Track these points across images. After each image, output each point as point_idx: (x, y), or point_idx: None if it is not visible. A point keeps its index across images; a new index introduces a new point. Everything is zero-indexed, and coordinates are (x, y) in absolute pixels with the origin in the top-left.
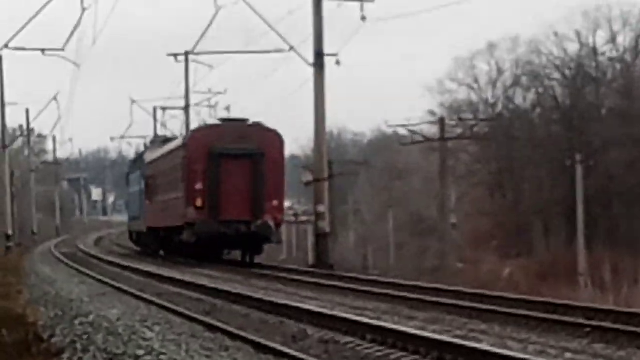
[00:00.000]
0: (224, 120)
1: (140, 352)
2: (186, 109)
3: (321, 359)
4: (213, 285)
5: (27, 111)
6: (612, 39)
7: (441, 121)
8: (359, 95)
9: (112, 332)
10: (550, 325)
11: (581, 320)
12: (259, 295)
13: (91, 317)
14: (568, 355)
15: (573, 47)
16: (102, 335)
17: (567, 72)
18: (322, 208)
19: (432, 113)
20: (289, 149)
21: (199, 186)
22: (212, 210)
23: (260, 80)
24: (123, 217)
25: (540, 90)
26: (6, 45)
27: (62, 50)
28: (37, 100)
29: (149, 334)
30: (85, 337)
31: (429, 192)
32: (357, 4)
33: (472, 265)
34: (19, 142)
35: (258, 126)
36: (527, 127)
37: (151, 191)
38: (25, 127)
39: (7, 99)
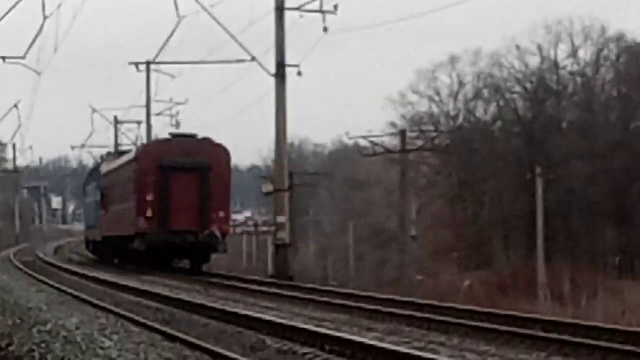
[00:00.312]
0: (174, 135)
1: None
2: (147, 118)
3: None
4: (172, 295)
5: None
6: (574, 53)
7: (402, 133)
8: (321, 107)
9: (71, 340)
10: (509, 337)
11: (540, 334)
12: (218, 305)
13: (49, 326)
14: None
15: (534, 61)
16: (61, 344)
17: (528, 85)
18: (282, 219)
19: (393, 125)
20: (250, 159)
21: (149, 197)
22: (162, 220)
23: (221, 91)
24: (83, 226)
25: (502, 103)
26: None
27: (23, 58)
28: None
29: (107, 343)
30: (43, 345)
31: (390, 204)
32: (319, 16)
33: (432, 277)
34: None
35: (206, 141)
36: (488, 140)
37: (106, 202)
38: None
39: None
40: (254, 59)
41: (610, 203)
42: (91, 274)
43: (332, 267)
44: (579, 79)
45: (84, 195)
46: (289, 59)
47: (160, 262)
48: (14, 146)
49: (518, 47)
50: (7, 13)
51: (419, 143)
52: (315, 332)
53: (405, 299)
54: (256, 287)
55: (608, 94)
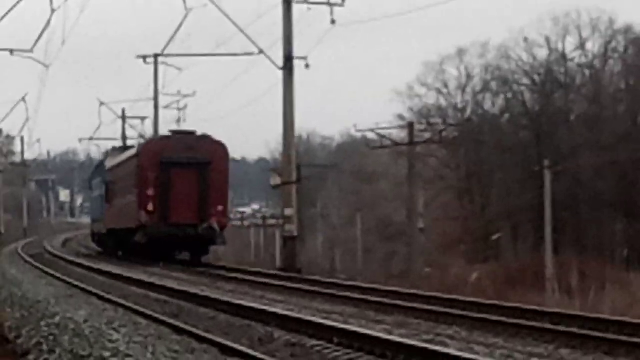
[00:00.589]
0: (174, 132)
1: (107, 354)
2: (155, 110)
3: None
4: (180, 288)
5: None
6: (581, 45)
7: (410, 125)
8: (328, 99)
9: (79, 333)
10: (517, 330)
11: (548, 326)
12: (226, 298)
13: (57, 319)
14: None
15: (542, 53)
16: (69, 337)
17: (536, 77)
18: (290, 211)
19: (401, 117)
20: (258, 152)
21: (150, 192)
22: (162, 214)
23: (229, 83)
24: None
25: (509, 95)
26: None
27: (31, 51)
28: (5, 101)
29: (115, 336)
30: (51, 338)
31: (397, 196)
32: (326, 8)
33: (440, 270)
34: None
35: (205, 138)
36: (495, 132)
37: (110, 195)
38: None
39: None
40: (261, 51)
41: (618, 195)
42: (99, 267)
43: (340, 260)
44: (586, 71)
45: (90, 189)
46: (297, 51)
47: (161, 254)
48: (22, 139)
49: (526, 39)
50: (15, 6)
51: (427, 135)
52: (324, 325)
53: (412, 291)
54: (264, 280)
55: (616, 86)
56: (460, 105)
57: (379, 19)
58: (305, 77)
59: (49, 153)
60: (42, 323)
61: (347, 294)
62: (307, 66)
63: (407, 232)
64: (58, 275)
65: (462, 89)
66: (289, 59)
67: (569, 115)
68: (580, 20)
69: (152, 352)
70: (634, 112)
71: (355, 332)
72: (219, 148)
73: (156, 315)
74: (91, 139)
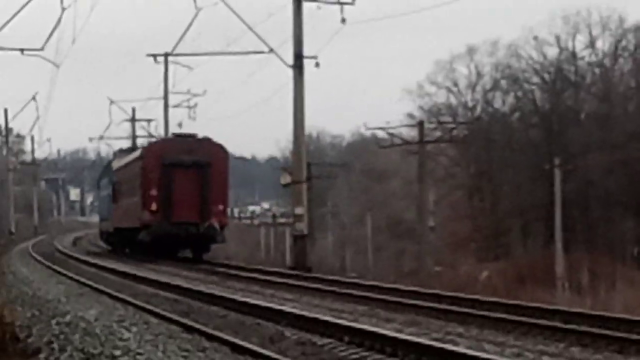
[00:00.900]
0: (176, 135)
1: (117, 353)
2: (165, 109)
3: None
4: (190, 286)
5: (6, 111)
6: (592, 44)
7: (420, 124)
8: (338, 98)
9: (89, 332)
10: (528, 328)
11: (559, 324)
12: (236, 296)
13: (68, 317)
14: (545, 358)
15: (552, 52)
16: (79, 336)
17: (546, 76)
18: (300, 210)
19: (411, 116)
20: (268, 151)
21: (153, 192)
22: (165, 213)
23: (240, 82)
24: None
25: (519, 94)
26: None
27: (41, 50)
28: (15, 100)
29: (126, 335)
30: (62, 337)
31: (408, 195)
32: (337, 7)
33: (450, 268)
34: None
35: (206, 140)
36: (505, 131)
37: (117, 195)
38: (3, 127)
39: None
40: (271, 50)
41: (628, 193)
42: (109, 266)
43: (350, 258)
44: (596, 70)
45: (98, 189)
46: (307, 50)
47: (164, 252)
48: (32, 138)
49: (536, 38)
50: (25, 5)
51: (437, 134)
52: (334, 323)
53: (423, 290)
54: (274, 278)
55: (626, 85)
56: (470, 104)
57: (389, 18)
58: (316, 75)
59: (59, 152)
60: (53, 322)
61: (358, 292)
62: (317, 65)
63: (417, 230)
64: (69, 274)
65: (472, 87)
66: (299, 57)
67: (579, 113)
68: (591, 18)
69: (162, 350)
70: None
71: (365, 331)
72: (219, 150)
73: (167, 314)
74: (101, 137)
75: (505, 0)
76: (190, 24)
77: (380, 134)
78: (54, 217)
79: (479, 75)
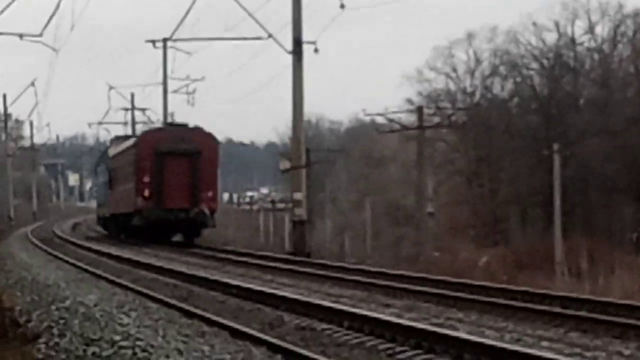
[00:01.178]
0: (168, 124)
1: (117, 338)
2: (164, 94)
3: (298, 346)
4: (189, 272)
5: (4, 96)
6: (591, 29)
7: (419, 110)
8: (337, 83)
9: (89, 317)
10: (527, 314)
11: (558, 310)
12: (235, 282)
13: (68, 303)
14: (544, 343)
15: (551, 37)
16: (79, 321)
17: (545, 62)
18: (299, 195)
19: (410, 102)
20: (267, 136)
21: (146, 179)
22: (157, 199)
23: (238, 68)
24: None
25: (518, 79)
26: None
27: (40, 35)
28: (14, 86)
29: (125, 320)
30: (61, 322)
31: (407, 180)
32: None
33: (449, 254)
34: None
35: (196, 130)
36: (504, 117)
37: (113, 182)
38: (2, 112)
39: None
40: (270, 35)
41: (627, 179)
42: (108, 251)
43: (349, 244)
44: (595, 55)
45: (95, 175)
46: (306, 35)
47: (157, 237)
48: (31, 123)
49: (534, 24)
50: None
51: (436, 120)
52: (334, 309)
53: (421, 275)
54: (273, 264)
55: (625, 71)
56: (469, 90)
57: (388, 3)
58: (314, 61)
59: (58, 137)
60: (53, 307)
61: (357, 278)
62: (316, 50)
63: (416, 216)
64: (68, 259)
65: (471, 73)
66: (298, 43)
67: (578, 99)
68: (590, 4)
69: (162, 335)
70: None
71: (365, 316)
72: (209, 139)
73: (166, 299)
74: (100, 123)
75: None
76: (189, 10)
77: (379, 119)
78: (53, 203)
79: (478, 61)
